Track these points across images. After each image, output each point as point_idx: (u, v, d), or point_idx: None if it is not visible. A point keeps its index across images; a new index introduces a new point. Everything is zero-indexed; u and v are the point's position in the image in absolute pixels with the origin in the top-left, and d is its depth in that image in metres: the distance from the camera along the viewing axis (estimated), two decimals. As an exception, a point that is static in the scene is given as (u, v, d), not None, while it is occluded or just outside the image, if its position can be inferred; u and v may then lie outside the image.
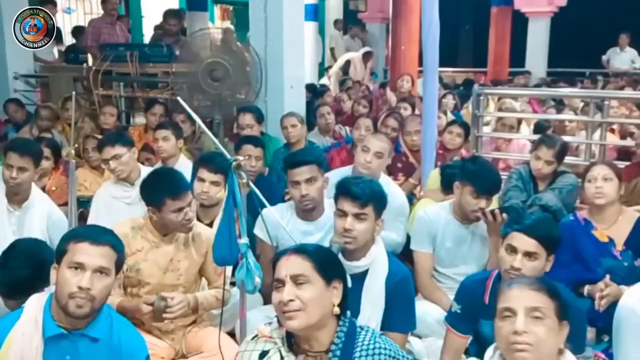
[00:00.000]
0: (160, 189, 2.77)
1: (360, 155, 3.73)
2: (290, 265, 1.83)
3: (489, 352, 1.90)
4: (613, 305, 2.63)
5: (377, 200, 2.58)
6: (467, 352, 2.69)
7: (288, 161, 3.21)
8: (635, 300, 2.29)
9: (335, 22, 13.52)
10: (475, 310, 2.56)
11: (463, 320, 2.58)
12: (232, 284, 2.71)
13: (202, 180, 3.34)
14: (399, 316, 2.61)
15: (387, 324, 2.58)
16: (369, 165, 3.66)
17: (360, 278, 2.57)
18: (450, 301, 2.80)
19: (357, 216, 2.53)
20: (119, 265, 2.12)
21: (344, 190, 2.58)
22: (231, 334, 2.85)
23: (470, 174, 3.19)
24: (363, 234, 2.54)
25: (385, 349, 1.85)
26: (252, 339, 1.93)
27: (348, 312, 1.92)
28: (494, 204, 3.99)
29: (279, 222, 2.94)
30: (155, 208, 2.75)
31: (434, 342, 2.96)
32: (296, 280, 1.81)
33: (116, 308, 2.67)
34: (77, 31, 8.85)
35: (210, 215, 3.39)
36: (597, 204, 3.19)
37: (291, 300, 1.79)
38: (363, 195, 2.53)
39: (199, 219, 3.35)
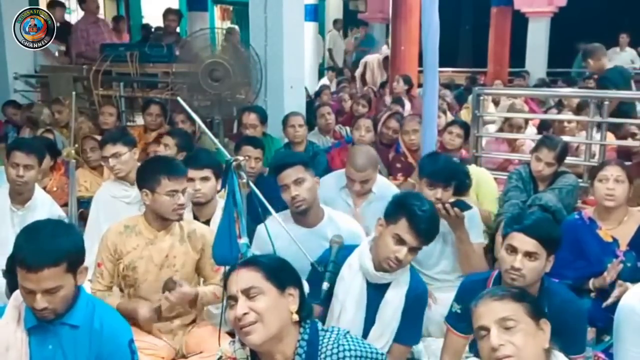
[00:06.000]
0: (157, 168, 2.82)
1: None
2: (240, 280, 1.77)
3: None
4: (613, 305, 2.63)
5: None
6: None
7: (273, 167, 3.19)
8: (635, 300, 2.29)
9: (335, 22, 13.52)
10: (475, 310, 2.56)
11: (463, 320, 2.57)
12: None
13: (191, 179, 3.31)
14: (408, 329, 2.61)
15: (395, 335, 2.59)
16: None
17: (381, 289, 2.57)
18: None
19: None
20: (74, 268, 2.06)
21: None
22: (231, 334, 2.84)
23: (421, 165, 3.30)
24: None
25: (350, 349, 1.79)
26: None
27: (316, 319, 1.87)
28: (492, 206, 4.01)
29: (272, 236, 2.66)
30: (150, 190, 2.77)
31: (434, 342, 2.97)
32: (248, 293, 1.74)
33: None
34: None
35: (206, 213, 3.39)
36: (607, 205, 3.11)
37: (245, 313, 1.72)
38: None
39: (195, 218, 3.36)
